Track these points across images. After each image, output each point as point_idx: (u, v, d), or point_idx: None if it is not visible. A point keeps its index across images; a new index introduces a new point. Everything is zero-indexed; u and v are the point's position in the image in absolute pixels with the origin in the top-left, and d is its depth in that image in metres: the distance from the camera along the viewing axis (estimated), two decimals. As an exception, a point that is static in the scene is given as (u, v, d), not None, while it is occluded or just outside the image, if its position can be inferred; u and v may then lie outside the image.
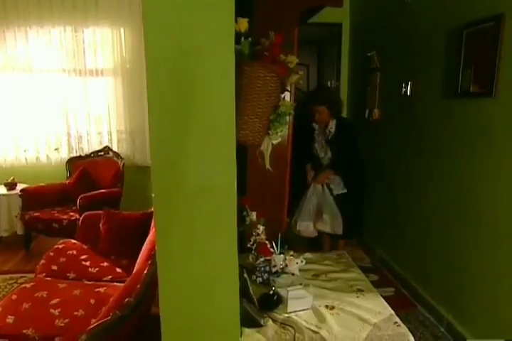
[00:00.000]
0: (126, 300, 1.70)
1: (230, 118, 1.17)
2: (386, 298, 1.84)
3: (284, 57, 1.57)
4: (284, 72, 1.55)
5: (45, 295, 2.27)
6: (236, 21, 1.43)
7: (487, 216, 2.31)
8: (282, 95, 1.64)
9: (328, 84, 4.64)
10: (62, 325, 2.04)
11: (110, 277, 2.64)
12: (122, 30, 4.50)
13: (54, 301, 2.22)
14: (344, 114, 4.45)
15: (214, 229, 1.25)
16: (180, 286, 1.30)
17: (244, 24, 1.47)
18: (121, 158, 4.49)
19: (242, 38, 1.46)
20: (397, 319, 1.64)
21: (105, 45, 4.53)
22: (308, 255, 2.21)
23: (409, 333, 1.58)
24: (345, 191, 3.33)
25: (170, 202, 1.21)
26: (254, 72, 1.45)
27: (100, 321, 1.64)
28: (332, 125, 3.27)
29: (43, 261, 2.74)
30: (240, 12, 1.42)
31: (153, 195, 1.19)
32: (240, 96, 1.41)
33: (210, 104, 1.16)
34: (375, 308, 1.70)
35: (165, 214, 1.22)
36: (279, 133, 1.62)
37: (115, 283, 2.49)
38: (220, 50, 1.14)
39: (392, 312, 1.69)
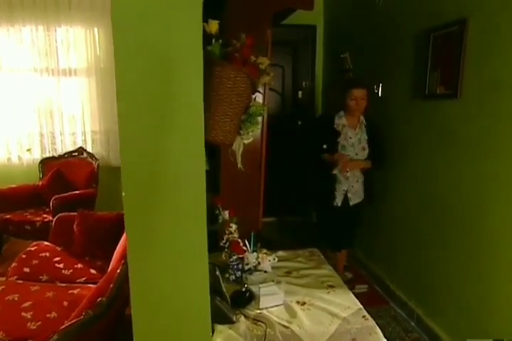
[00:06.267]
0: (99, 299, 1.70)
1: (198, 117, 1.20)
2: (360, 295, 1.90)
3: (255, 59, 1.60)
4: (254, 73, 1.58)
5: (16, 298, 2.24)
6: (207, 23, 1.46)
7: (453, 216, 2.39)
8: (253, 96, 1.67)
9: (303, 85, 4.70)
10: (35, 327, 2.01)
11: (84, 279, 2.61)
12: (96, 29, 4.45)
13: (26, 304, 2.19)
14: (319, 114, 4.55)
15: (184, 227, 1.27)
16: (151, 286, 1.31)
17: (214, 26, 1.49)
18: (95, 158, 4.43)
19: (213, 40, 1.48)
20: (365, 313, 1.70)
21: (79, 44, 4.45)
22: (280, 253, 2.25)
23: (376, 326, 1.64)
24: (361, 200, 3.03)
25: (139, 200, 1.23)
26: (225, 73, 1.47)
27: (73, 321, 1.63)
28: (362, 118, 2.97)
29: (14, 264, 2.69)
30: (211, 14, 1.45)
31: (123, 194, 1.20)
32: (211, 97, 1.43)
33: (178, 103, 1.18)
34: (345, 303, 1.75)
35: (134, 213, 1.23)
36: (250, 133, 1.65)
37: (89, 285, 2.46)
38: (187, 51, 1.17)
39: (361, 306, 1.74)
